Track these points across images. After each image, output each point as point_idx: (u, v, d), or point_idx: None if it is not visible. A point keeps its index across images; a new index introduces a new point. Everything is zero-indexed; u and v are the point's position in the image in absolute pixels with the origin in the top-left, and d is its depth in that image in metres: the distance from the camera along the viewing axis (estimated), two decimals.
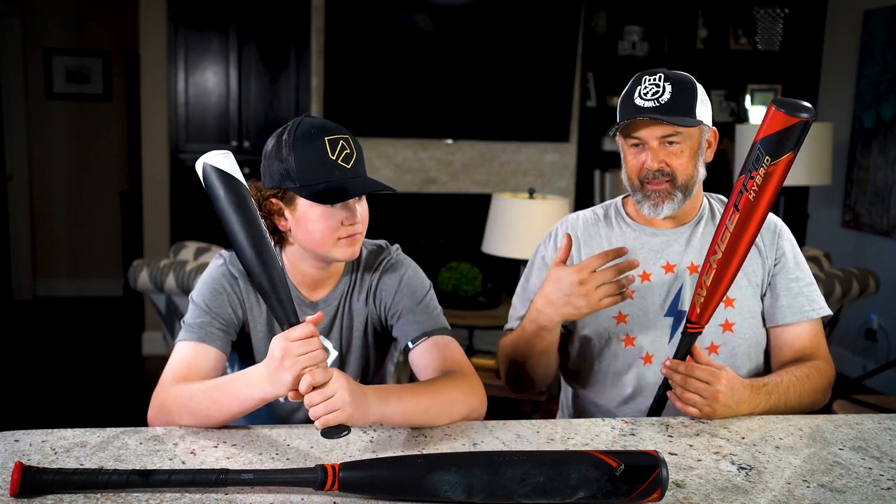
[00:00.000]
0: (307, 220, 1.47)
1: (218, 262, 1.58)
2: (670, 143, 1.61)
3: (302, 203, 1.47)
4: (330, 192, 1.43)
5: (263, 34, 4.80)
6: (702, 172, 1.67)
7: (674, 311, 1.68)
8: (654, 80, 1.61)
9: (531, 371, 1.73)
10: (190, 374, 1.44)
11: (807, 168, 4.16)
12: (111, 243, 6.35)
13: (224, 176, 1.29)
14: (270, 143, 1.50)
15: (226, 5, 4.73)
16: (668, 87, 1.60)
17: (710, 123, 1.67)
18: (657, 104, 1.59)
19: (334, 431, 1.23)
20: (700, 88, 1.65)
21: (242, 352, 1.62)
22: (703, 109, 1.64)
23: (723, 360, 1.66)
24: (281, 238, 1.55)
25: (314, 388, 1.23)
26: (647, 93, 1.60)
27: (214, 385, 1.39)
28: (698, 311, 1.51)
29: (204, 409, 1.36)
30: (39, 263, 6.32)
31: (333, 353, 1.61)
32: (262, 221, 1.32)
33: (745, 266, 1.67)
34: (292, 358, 1.24)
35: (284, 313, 1.27)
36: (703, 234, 1.71)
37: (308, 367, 1.24)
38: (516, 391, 1.83)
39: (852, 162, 4.82)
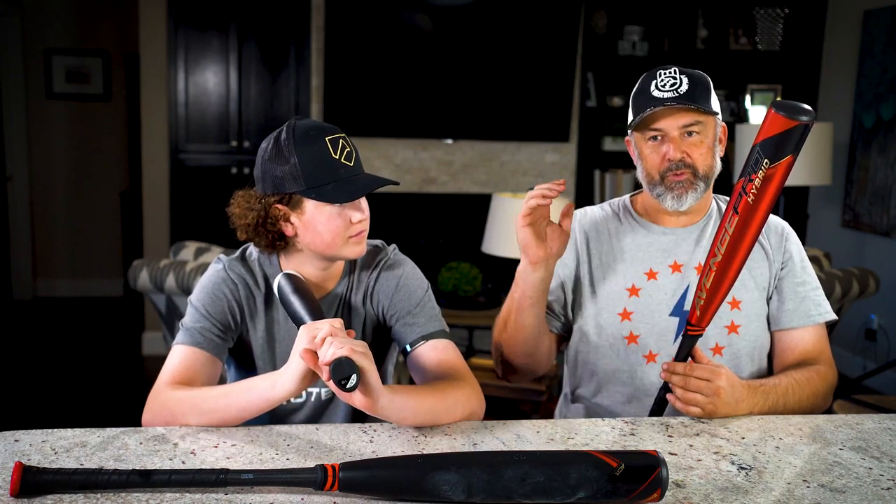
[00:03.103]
0: (316, 222, 1.46)
1: (217, 266, 1.56)
2: (690, 133, 1.62)
3: (309, 206, 1.46)
4: (340, 191, 1.43)
5: (263, 34, 4.80)
6: (719, 165, 1.67)
7: (679, 311, 1.67)
8: (670, 73, 1.62)
9: (514, 348, 1.73)
10: (187, 377, 1.44)
11: (807, 168, 4.16)
12: (111, 243, 6.35)
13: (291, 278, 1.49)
14: (267, 148, 1.48)
15: (226, 5, 4.73)
16: (685, 80, 1.61)
17: (721, 119, 1.68)
18: (677, 94, 1.59)
19: (346, 367, 1.21)
20: (711, 84, 1.66)
21: (240, 359, 1.61)
22: (716, 104, 1.65)
23: (726, 361, 1.66)
24: (286, 244, 1.53)
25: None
26: (665, 84, 1.61)
27: (230, 389, 1.38)
28: (698, 313, 1.51)
29: (216, 407, 1.36)
30: (39, 263, 6.32)
31: None
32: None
33: (751, 268, 1.67)
34: (321, 329, 1.28)
35: None
36: (712, 234, 1.71)
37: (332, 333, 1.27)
38: (504, 373, 1.81)
39: (852, 162, 4.82)
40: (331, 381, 1.23)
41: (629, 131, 1.68)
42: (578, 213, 1.82)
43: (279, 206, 1.47)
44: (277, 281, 1.48)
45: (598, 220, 1.78)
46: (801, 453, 1.35)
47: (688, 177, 1.62)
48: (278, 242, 1.52)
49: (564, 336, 1.80)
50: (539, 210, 1.55)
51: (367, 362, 1.25)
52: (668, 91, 1.60)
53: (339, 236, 1.47)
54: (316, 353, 1.26)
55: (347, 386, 1.22)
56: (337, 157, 1.44)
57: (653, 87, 1.61)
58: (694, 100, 1.59)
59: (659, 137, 1.63)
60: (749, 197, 1.39)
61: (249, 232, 1.51)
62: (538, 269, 1.59)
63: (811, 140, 3.88)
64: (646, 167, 1.66)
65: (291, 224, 1.49)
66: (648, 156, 1.65)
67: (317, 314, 1.38)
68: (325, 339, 1.25)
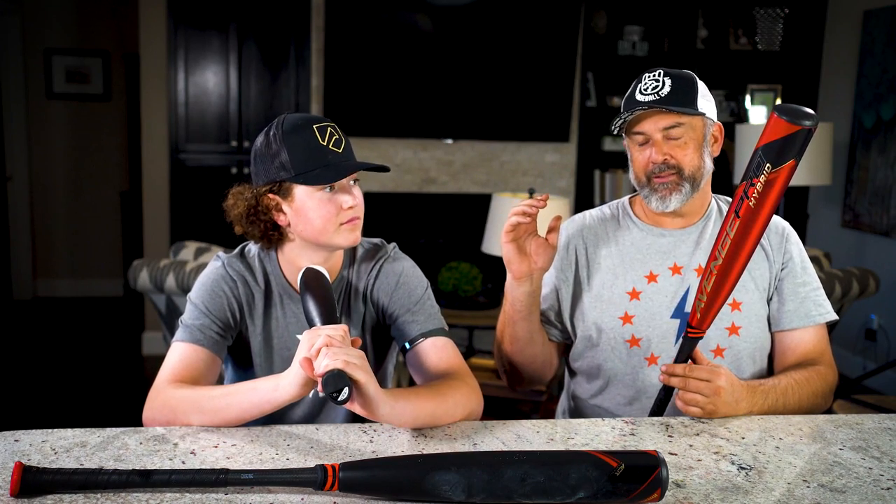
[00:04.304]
0: (306, 209, 1.47)
1: (216, 263, 1.57)
2: (674, 135, 1.62)
3: (300, 192, 1.47)
4: (327, 174, 1.44)
5: (263, 34, 4.80)
6: (709, 165, 1.67)
7: (680, 313, 1.67)
8: (654, 75, 1.63)
9: (517, 357, 1.75)
10: (188, 375, 1.44)
11: (807, 168, 4.16)
12: (111, 243, 6.35)
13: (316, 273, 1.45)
14: (259, 143, 1.50)
15: (226, 5, 4.73)
16: (668, 81, 1.61)
17: (713, 118, 1.67)
18: (657, 97, 1.60)
19: (338, 380, 1.20)
20: (701, 83, 1.66)
21: (238, 357, 1.61)
22: (705, 103, 1.64)
23: (727, 363, 1.66)
24: (281, 236, 1.54)
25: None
26: (647, 88, 1.62)
27: (233, 389, 1.38)
28: (699, 316, 1.50)
29: (218, 406, 1.35)
30: (39, 263, 6.32)
31: None
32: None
33: (751, 270, 1.67)
34: (320, 337, 1.27)
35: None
36: (712, 235, 1.70)
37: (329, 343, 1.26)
38: (510, 383, 1.83)
39: (852, 162, 4.82)
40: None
41: (622, 134, 1.69)
42: (576, 218, 1.82)
43: (270, 195, 1.49)
44: (300, 273, 1.47)
45: (595, 224, 1.78)
46: (801, 453, 1.35)
47: (673, 179, 1.63)
48: (272, 233, 1.53)
49: (566, 343, 1.81)
50: (521, 227, 1.57)
51: (362, 374, 1.24)
52: (649, 94, 1.61)
53: (331, 222, 1.47)
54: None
55: (339, 399, 1.22)
56: (325, 144, 1.45)
57: (637, 91, 1.63)
58: (675, 102, 1.59)
59: (644, 140, 1.65)
60: (751, 201, 1.39)
61: (243, 223, 1.52)
62: (523, 284, 1.62)
63: (811, 140, 3.88)
64: (634, 169, 1.68)
65: (284, 213, 1.50)
66: (636, 158, 1.67)
67: (327, 317, 1.37)
68: (321, 349, 1.25)
